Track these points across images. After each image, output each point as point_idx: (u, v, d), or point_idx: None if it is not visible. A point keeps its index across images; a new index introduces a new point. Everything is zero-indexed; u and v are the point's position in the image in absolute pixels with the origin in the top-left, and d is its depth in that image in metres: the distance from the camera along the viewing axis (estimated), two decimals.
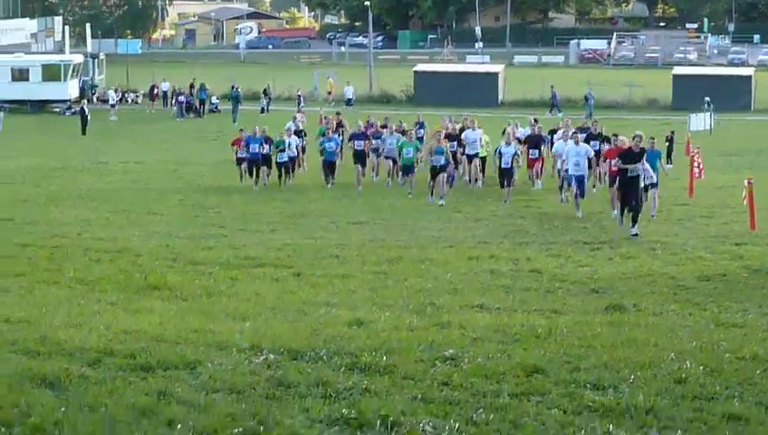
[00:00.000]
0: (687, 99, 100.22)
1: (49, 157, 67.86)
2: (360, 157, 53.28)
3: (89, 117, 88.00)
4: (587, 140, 46.22)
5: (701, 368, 16.33)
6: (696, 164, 45.82)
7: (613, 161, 32.78)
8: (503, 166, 47.07)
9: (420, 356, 17.29)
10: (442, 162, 45.42)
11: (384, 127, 58.32)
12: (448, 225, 40.87)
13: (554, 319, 21.17)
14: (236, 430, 13.09)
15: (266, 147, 51.90)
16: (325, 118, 62.15)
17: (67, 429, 13.11)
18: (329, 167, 53.44)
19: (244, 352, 17.49)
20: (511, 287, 26.32)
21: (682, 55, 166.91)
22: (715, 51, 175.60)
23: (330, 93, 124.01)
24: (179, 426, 13.17)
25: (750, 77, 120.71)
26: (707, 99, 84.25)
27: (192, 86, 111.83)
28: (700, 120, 79.79)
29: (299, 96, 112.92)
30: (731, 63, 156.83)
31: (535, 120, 57.57)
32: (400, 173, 50.30)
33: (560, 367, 16.50)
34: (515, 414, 13.91)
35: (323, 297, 24.71)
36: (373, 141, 54.02)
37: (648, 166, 33.47)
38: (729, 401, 14.48)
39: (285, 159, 53.55)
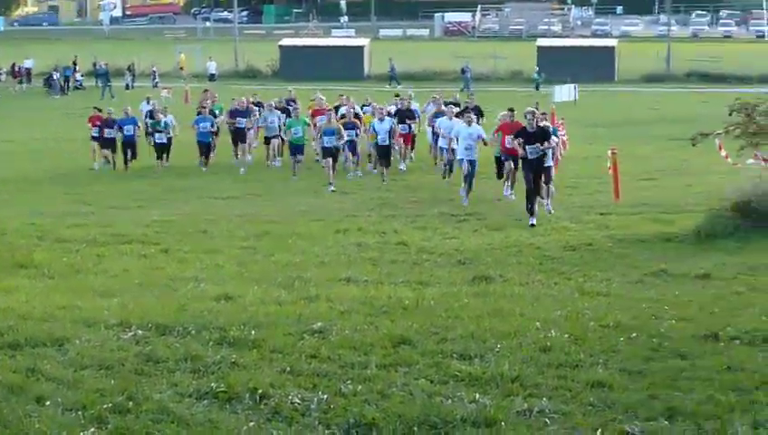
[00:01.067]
0: (552, 71, 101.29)
1: None
2: (240, 135, 51.34)
3: None
4: (459, 115, 44.81)
5: (566, 336, 16.68)
6: (560, 135, 46.29)
7: (508, 138, 31.57)
8: (380, 143, 45.76)
9: (288, 330, 17.39)
10: (334, 143, 44.19)
11: (258, 104, 56.07)
12: (316, 199, 40.92)
13: (421, 291, 21.43)
14: (105, 406, 13.07)
15: (133, 128, 50.56)
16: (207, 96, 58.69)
17: None
18: (204, 148, 51.39)
19: (112, 328, 17.48)
20: (378, 260, 26.55)
21: (546, 27, 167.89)
22: (579, 22, 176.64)
23: (182, 69, 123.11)
24: (48, 402, 13.18)
25: (613, 48, 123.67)
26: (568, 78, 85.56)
27: (75, 63, 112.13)
28: (564, 92, 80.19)
29: (153, 72, 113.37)
30: (594, 35, 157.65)
31: (396, 95, 56.88)
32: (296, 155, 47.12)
33: (426, 338, 16.71)
34: (383, 385, 14.09)
35: (191, 272, 24.76)
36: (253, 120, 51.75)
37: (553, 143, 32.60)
38: (593, 368, 14.78)
39: (164, 139, 51.18)
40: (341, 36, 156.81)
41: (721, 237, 27.39)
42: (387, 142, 45.62)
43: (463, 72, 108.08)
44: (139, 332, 17.16)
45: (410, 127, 49.77)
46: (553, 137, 33.60)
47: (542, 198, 30.72)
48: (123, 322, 17.92)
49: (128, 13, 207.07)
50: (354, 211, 37.04)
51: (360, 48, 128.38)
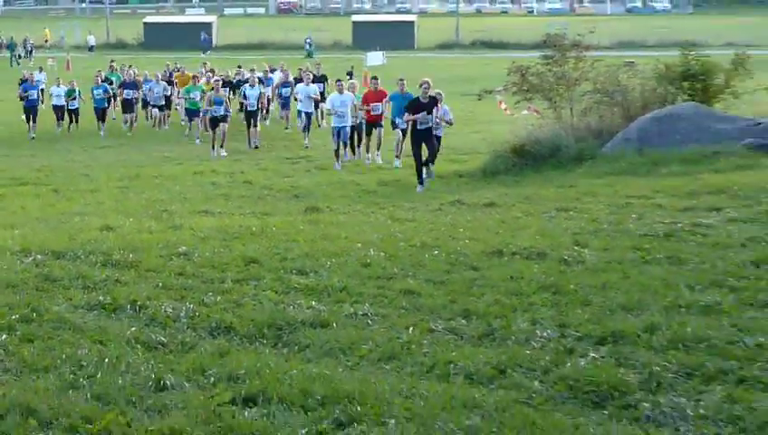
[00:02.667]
0: (364, 40, 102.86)
1: None
2: (128, 105, 48.70)
3: None
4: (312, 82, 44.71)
5: (382, 254, 17.04)
6: None
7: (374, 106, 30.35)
8: (248, 108, 42.94)
9: (159, 253, 17.71)
10: (221, 112, 40.16)
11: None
12: (177, 147, 41.61)
13: (265, 220, 21.60)
14: (14, 317, 13.34)
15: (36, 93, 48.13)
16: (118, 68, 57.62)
17: None
18: (99, 113, 48.12)
19: (15, 254, 17.71)
20: (229, 195, 26.87)
21: (359, 5, 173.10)
22: (386, 1, 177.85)
23: (47, 41, 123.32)
24: None
25: (413, 22, 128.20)
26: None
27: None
28: (375, 57, 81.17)
29: (29, 43, 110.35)
30: (398, 11, 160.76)
31: (239, 66, 55.94)
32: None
33: (271, 257, 17.08)
34: (237, 296, 14.57)
35: (78, 208, 24.71)
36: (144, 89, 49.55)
37: (442, 114, 29.44)
38: (405, 279, 15.19)
39: (76, 105, 48.52)
40: (194, 14, 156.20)
41: (502, 174, 27.91)
42: (254, 108, 43.30)
43: (307, 43, 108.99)
44: (39, 257, 17.34)
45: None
46: (443, 105, 30.68)
47: (430, 165, 28.78)
48: (24, 249, 18.08)
49: None
50: (208, 157, 37.34)
51: (210, 24, 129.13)
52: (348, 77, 35.73)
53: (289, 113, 49.01)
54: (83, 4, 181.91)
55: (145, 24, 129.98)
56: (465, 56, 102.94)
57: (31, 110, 46.46)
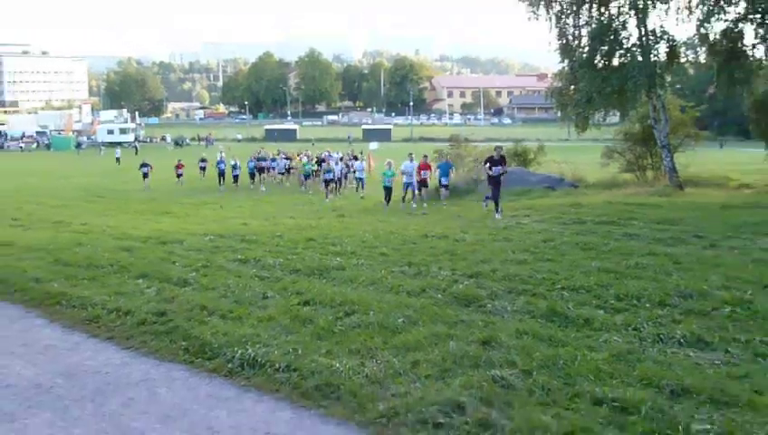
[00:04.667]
0: (369, 137, 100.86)
1: None
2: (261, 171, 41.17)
3: None
4: None
5: (371, 236, 16.67)
6: None
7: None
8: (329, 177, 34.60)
9: (267, 236, 17.29)
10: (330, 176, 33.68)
11: None
12: (281, 191, 39.74)
13: (318, 221, 21.39)
14: (199, 264, 13.15)
15: None
16: None
17: None
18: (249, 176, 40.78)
19: (200, 235, 17.44)
20: (304, 211, 26.32)
21: (368, 120, 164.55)
22: (380, 117, 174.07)
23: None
24: None
25: (390, 129, 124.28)
26: None
27: None
28: (374, 145, 79.94)
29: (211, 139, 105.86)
30: (383, 123, 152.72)
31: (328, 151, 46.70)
32: None
33: (320, 238, 16.65)
34: (302, 255, 14.08)
35: (231, 215, 24.52)
36: None
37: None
38: (380, 247, 14.88)
39: (237, 172, 41.50)
40: (287, 124, 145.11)
41: (432, 200, 27.85)
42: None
43: (348, 137, 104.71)
44: (211, 237, 17.11)
45: None
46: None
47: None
48: (205, 233, 17.95)
49: None
50: (308, 196, 36.02)
51: (295, 129, 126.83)
52: (410, 154, 28.89)
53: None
54: (234, 119, 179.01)
55: (266, 129, 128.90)
56: (417, 144, 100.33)
57: (221, 173, 40.59)
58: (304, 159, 41.09)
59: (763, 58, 30.83)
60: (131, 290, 11.25)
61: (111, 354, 8.43)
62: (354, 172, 37.49)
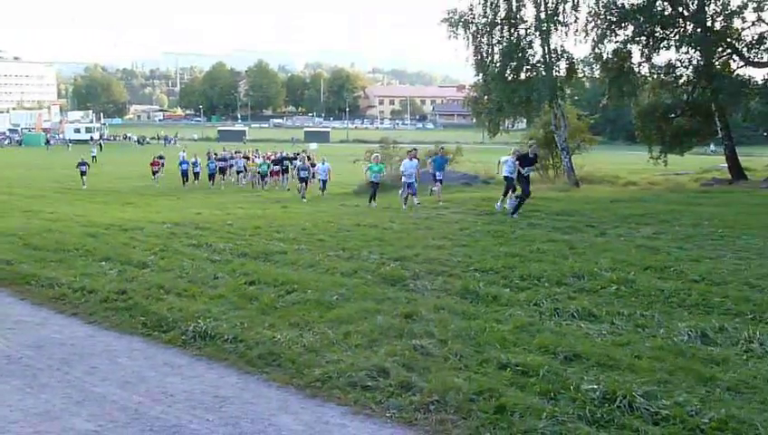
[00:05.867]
0: (310, 138, 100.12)
1: None
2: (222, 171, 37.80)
3: None
4: None
5: (310, 224, 16.47)
6: None
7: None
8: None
9: (219, 223, 17.07)
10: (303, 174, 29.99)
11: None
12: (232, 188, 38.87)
13: (265, 211, 20.98)
14: (157, 248, 12.93)
15: None
16: None
17: None
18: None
19: (158, 223, 17.16)
20: (256, 202, 25.96)
21: (310, 123, 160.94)
22: (320, 120, 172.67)
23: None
24: None
25: (328, 132, 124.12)
26: None
27: None
28: (313, 145, 79.90)
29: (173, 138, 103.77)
30: (322, 126, 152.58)
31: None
32: None
33: (266, 226, 16.48)
34: (250, 241, 13.91)
35: (186, 205, 24.18)
36: None
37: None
38: (319, 234, 14.72)
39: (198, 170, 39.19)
40: (239, 126, 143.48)
41: (362, 194, 27.62)
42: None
43: (292, 139, 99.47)
44: (168, 224, 16.83)
45: None
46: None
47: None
48: (163, 221, 17.63)
49: None
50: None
51: (245, 130, 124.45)
52: (413, 151, 23.10)
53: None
54: (190, 121, 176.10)
55: (219, 130, 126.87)
56: (351, 145, 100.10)
57: (183, 173, 38.10)
58: (258, 160, 39.24)
59: (647, 74, 31.66)
60: (95, 271, 11.02)
61: (77, 328, 8.25)
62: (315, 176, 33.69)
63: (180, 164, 39.02)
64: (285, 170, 36.94)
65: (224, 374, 6.58)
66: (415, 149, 22.91)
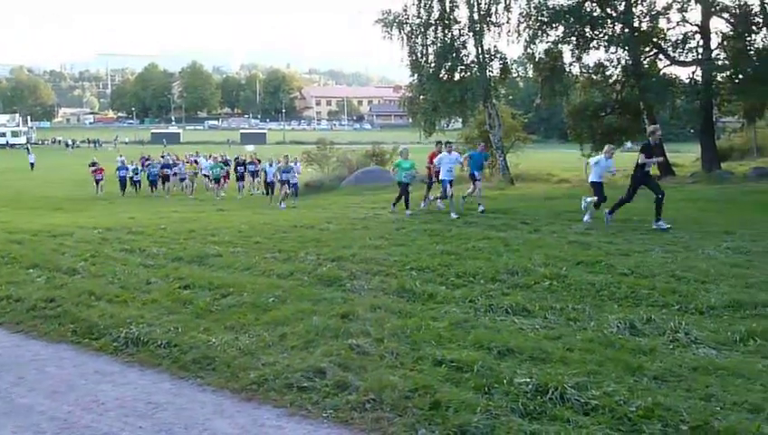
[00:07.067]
0: (246, 140, 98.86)
1: None
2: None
3: None
4: None
5: (247, 227, 16.30)
6: None
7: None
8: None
9: (153, 227, 16.78)
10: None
11: None
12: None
13: (199, 214, 20.69)
14: (88, 254, 12.62)
15: None
16: None
17: None
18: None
19: (89, 228, 16.74)
20: (188, 205, 25.54)
21: (245, 125, 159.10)
22: (255, 123, 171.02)
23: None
24: None
25: (265, 133, 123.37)
26: None
27: None
28: (250, 147, 78.95)
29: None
30: (258, 127, 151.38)
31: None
32: None
33: (201, 229, 16.25)
34: (184, 245, 13.71)
35: (120, 210, 23.79)
36: None
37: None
38: (255, 237, 14.59)
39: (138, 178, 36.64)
40: (173, 128, 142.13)
41: (308, 194, 27.55)
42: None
43: (228, 142, 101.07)
44: (100, 230, 16.38)
45: None
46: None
47: None
48: (94, 226, 17.11)
49: None
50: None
51: (179, 133, 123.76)
52: (448, 144, 19.84)
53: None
54: (122, 124, 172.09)
55: (152, 133, 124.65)
56: (288, 147, 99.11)
57: (122, 180, 35.78)
58: (206, 162, 37.12)
59: (578, 74, 32.36)
60: (22, 279, 10.69)
61: (2, 338, 7.98)
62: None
63: (118, 170, 36.59)
64: (242, 176, 34.08)
65: (157, 380, 6.46)
66: (450, 143, 20.07)
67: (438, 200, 19.82)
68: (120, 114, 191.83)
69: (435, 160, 19.58)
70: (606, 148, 16.61)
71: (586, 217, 16.02)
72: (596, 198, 16.12)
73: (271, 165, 28.50)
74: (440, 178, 18.99)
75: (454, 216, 17.56)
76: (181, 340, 7.31)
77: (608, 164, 16.08)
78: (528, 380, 5.75)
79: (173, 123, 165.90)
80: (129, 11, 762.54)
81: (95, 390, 6.28)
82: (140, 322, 7.96)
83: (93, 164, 40.96)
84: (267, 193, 26.77)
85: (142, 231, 16.33)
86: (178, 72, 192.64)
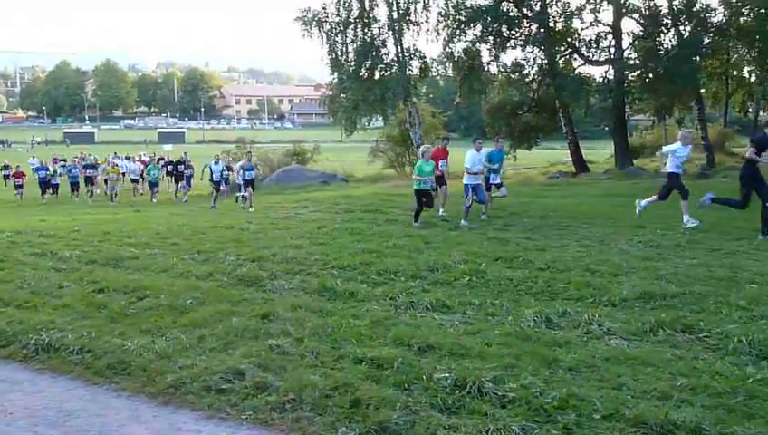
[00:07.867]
0: (164, 139, 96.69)
1: None
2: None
3: None
4: None
5: (164, 229, 15.97)
6: None
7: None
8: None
9: (67, 230, 16.29)
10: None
11: None
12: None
13: (116, 215, 20.36)
14: None
15: None
16: None
17: None
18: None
19: None
20: (107, 205, 24.80)
21: (164, 124, 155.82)
22: (174, 121, 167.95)
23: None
24: None
25: (184, 132, 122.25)
26: None
27: None
28: (168, 147, 77.51)
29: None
30: (177, 126, 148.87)
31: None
32: None
33: (117, 230, 15.95)
34: (99, 247, 13.36)
35: (32, 213, 22.96)
36: None
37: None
38: (172, 238, 14.35)
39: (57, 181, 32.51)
40: (87, 128, 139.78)
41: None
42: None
43: (144, 141, 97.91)
44: (8, 233, 15.86)
45: None
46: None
47: None
48: (1, 230, 16.64)
49: None
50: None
51: (93, 132, 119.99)
52: (477, 140, 16.73)
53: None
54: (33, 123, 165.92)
55: (65, 132, 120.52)
56: (208, 146, 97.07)
57: (42, 182, 31.90)
58: (132, 165, 34.69)
59: (496, 72, 32.97)
60: None
61: None
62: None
63: (36, 171, 33.52)
64: (180, 177, 31.06)
65: (70, 387, 6.27)
66: (479, 139, 16.96)
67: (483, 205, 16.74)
68: (30, 113, 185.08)
69: (440, 163, 17.37)
70: (681, 133, 14.51)
71: (686, 218, 13.92)
72: (655, 197, 14.57)
73: (216, 163, 26.12)
74: (464, 182, 16.19)
75: (464, 223, 15.46)
76: (95, 345, 7.11)
77: (687, 152, 14.14)
78: (447, 375, 5.82)
79: (87, 122, 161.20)
80: (38, 8, 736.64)
81: (3, 399, 6.04)
82: (51, 327, 7.70)
83: (6, 168, 38.51)
84: (217, 192, 24.80)
85: (54, 234, 15.82)
86: (92, 71, 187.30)
